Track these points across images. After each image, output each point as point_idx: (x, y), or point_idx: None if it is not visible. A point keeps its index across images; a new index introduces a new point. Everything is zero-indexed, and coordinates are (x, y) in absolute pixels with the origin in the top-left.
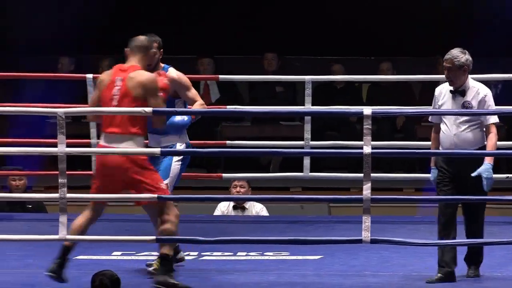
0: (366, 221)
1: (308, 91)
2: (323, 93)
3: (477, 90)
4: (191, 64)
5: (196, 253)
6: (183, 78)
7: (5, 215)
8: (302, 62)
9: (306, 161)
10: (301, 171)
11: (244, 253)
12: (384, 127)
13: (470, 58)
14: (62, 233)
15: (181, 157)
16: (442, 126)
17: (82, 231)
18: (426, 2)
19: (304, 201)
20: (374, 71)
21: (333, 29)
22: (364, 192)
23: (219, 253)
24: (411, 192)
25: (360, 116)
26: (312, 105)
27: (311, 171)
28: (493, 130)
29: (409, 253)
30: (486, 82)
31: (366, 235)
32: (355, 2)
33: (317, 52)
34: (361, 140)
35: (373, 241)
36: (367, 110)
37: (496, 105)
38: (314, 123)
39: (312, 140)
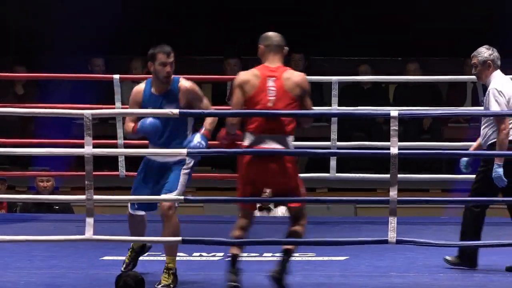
0: (392, 222)
1: (335, 91)
2: (350, 94)
3: (490, 85)
4: (218, 65)
5: (222, 254)
6: (197, 88)
7: (31, 216)
8: (329, 63)
9: (333, 162)
10: (328, 171)
11: (270, 254)
12: (411, 128)
13: (496, 54)
14: (89, 234)
15: (191, 165)
16: None
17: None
18: (454, 3)
19: (330, 202)
20: (401, 71)
21: (361, 29)
22: (391, 194)
23: (245, 254)
24: (438, 193)
25: (387, 117)
26: (339, 105)
27: (337, 172)
28: (500, 126)
29: (434, 254)
30: None
31: (392, 236)
32: (383, 3)
33: (344, 53)
34: (388, 141)
35: (398, 242)
36: (394, 111)
37: None
38: (341, 124)
39: (338, 141)
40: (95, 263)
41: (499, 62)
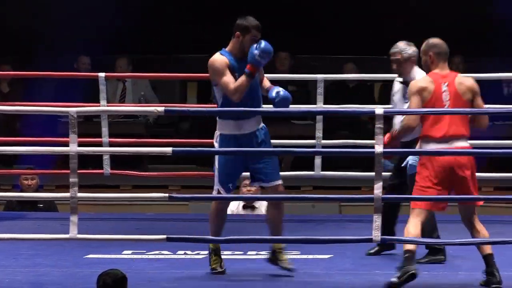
0: (377, 220)
1: (320, 90)
2: (335, 92)
3: None
4: (203, 63)
5: (206, 252)
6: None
7: (16, 214)
8: (315, 61)
9: (318, 160)
10: (313, 170)
11: (254, 252)
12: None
13: (417, 49)
14: (73, 232)
15: None
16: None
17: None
18: (439, 2)
19: (315, 200)
20: (387, 70)
21: (346, 28)
22: (375, 191)
23: (229, 252)
24: None
25: (372, 115)
26: (324, 104)
27: (322, 170)
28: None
29: (419, 252)
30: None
31: (376, 234)
32: (368, 1)
33: (330, 51)
34: (373, 139)
35: (383, 240)
36: (379, 109)
37: (505, 103)
38: (326, 122)
39: (324, 139)
40: (79, 262)
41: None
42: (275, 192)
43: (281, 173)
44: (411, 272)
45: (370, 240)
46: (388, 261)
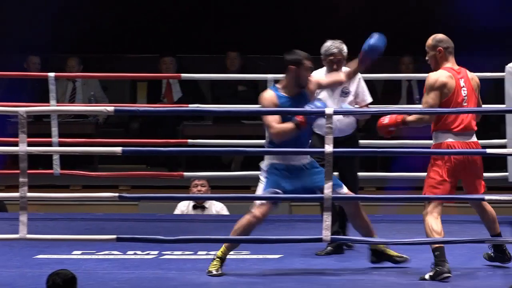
0: (327, 220)
1: None
2: None
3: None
4: (153, 63)
5: (156, 252)
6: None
7: None
8: (264, 61)
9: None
10: None
11: (205, 252)
12: None
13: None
14: (22, 232)
15: None
16: None
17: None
18: (391, 2)
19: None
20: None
21: (296, 28)
22: (325, 191)
23: (180, 252)
24: (372, 191)
25: (322, 115)
26: None
27: None
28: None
29: (368, 251)
30: None
31: (326, 234)
32: (318, 3)
33: (279, 51)
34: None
35: (333, 240)
36: (329, 109)
37: None
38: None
39: None
40: (29, 262)
41: None
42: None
43: (231, 173)
44: (444, 275)
45: (320, 240)
46: (337, 260)
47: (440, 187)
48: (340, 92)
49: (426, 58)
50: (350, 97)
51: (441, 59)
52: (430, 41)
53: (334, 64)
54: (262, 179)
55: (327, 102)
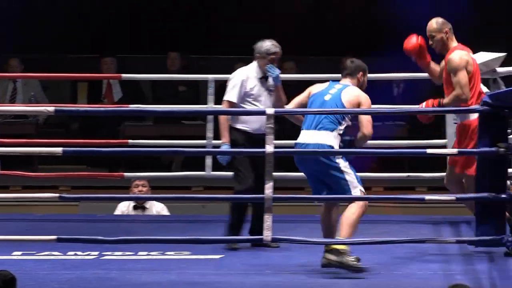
0: (268, 220)
1: (211, 90)
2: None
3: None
4: (93, 63)
5: (97, 253)
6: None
7: None
8: (205, 61)
9: (208, 160)
10: (203, 170)
11: (145, 253)
12: (287, 126)
13: None
14: None
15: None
16: (253, 107)
17: None
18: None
19: (205, 200)
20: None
21: (237, 28)
22: (266, 191)
23: (120, 253)
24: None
25: (263, 115)
26: (215, 104)
27: (213, 170)
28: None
29: (310, 252)
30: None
31: (267, 234)
32: (258, 2)
33: (221, 52)
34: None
35: (274, 240)
36: (270, 109)
37: (397, 104)
38: (217, 122)
39: (214, 139)
40: None
41: None
42: None
43: (172, 173)
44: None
45: (261, 240)
46: (279, 261)
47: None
48: (268, 90)
49: (431, 42)
50: (273, 95)
51: (448, 40)
52: (434, 25)
53: (274, 62)
54: (346, 169)
55: (260, 98)
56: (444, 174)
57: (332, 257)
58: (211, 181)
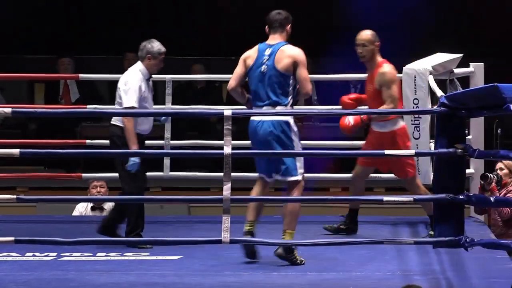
0: (226, 221)
1: (169, 90)
2: (183, 93)
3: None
4: (51, 64)
5: (55, 254)
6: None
7: None
8: (163, 62)
9: (166, 161)
10: (161, 170)
11: (104, 254)
12: (245, 127)
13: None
14: None
15: None
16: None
17: None
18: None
19: (163, 201)
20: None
21: (195, 29)
22: (224, 193)
23: (79, 254)
24: (271, 192)
25: (220, 116)
26: (172, 104)
27: (171, 171)
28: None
29: (269, 253)
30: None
31: (225, 235)
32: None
33: (178, 52)
34: (222, 140)
35: (232, 242)
36: (228, 110)
37: None
38: (175, 123)
39: (172, 139)
40: None
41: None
42: None
43: None
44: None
45: (219, 242)
46: (237, 261)
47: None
48: (151, 90)
49: (360, 51)
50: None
51: (376, 53)
52: (369, 36)
53: (163, 62)
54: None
55: (148, 99)
56: None
57: (280, 250)
58: (169, 181)
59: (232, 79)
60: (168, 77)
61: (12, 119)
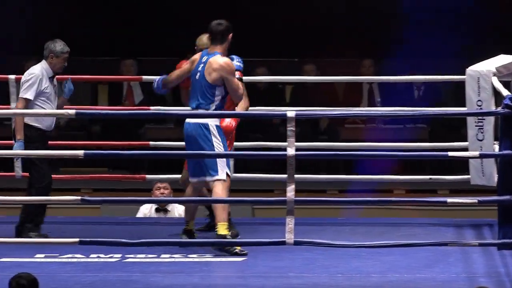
0: (290, 223)
1: None
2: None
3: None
4: (113, 66)
5: (119, 255)
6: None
7: None
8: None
9: (231, 162)
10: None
11: (168, 255)
12: (307, 129)
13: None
14: None
15: None
16: (45, 105)
17: None
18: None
19: (227, 203)
20: (298, 72)
21: (257, 30)
22: (288, 194)
23: (143, 255)
24: (334, 194)
25: (283, 118)
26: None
27: (235, 172)
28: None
29: (332, 255)
30: None
31: (289, 237)
32: (279, 4)
33: (242, 54)
34: (285, 142)
35: (296, 243)
36: (291, 112)
37: (415, 106)
38: (238, 124)
39: (236, 141)
40: None
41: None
42: None
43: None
44: None
45: (284, 243)
46: (301, 263)
47: None
48: (55, 89)
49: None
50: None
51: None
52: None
53: (66, 61)
54: (217, 139)
55: (51, 97)
56: (465, 176)
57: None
58: (233, 183)
59: (175, 73)
60: None
61: (76, 120)
